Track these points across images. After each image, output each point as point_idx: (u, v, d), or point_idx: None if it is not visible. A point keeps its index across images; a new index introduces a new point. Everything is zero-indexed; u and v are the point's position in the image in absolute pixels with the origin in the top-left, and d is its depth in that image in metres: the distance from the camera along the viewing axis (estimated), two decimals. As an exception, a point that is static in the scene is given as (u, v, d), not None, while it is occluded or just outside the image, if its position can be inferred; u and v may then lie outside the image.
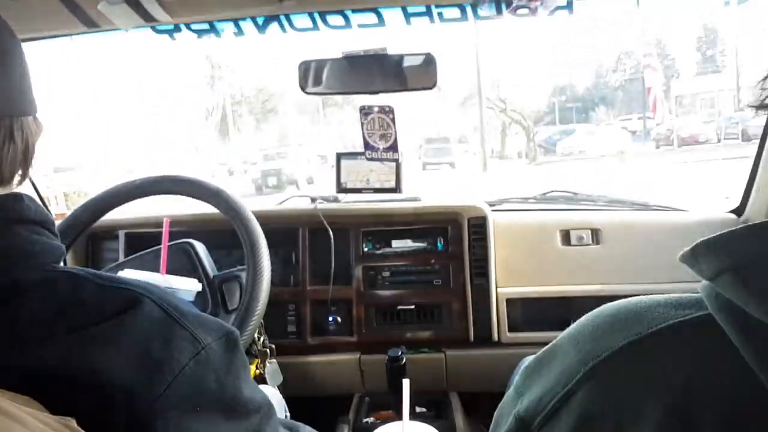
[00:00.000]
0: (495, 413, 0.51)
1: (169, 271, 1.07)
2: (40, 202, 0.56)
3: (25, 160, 0.56)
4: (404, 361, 1.29)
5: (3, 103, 0.53)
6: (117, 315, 0.50)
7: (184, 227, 1.44)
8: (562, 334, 0.46)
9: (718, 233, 0.38)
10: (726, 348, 0.35)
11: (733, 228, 0.38)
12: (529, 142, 20.65)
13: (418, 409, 1.46)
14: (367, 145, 1.41)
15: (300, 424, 0.71)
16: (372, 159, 1.41)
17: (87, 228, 1.17)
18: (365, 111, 1.39)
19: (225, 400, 0.53)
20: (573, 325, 0.46)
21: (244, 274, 1.07)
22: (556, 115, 28.49)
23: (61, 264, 0.56)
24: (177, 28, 1.06)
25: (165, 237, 1.06)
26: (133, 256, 1.15)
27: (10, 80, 0.54)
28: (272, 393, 1.15)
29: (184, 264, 1.10)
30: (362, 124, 1.40)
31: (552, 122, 27.44)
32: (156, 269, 1.07)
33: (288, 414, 1.20)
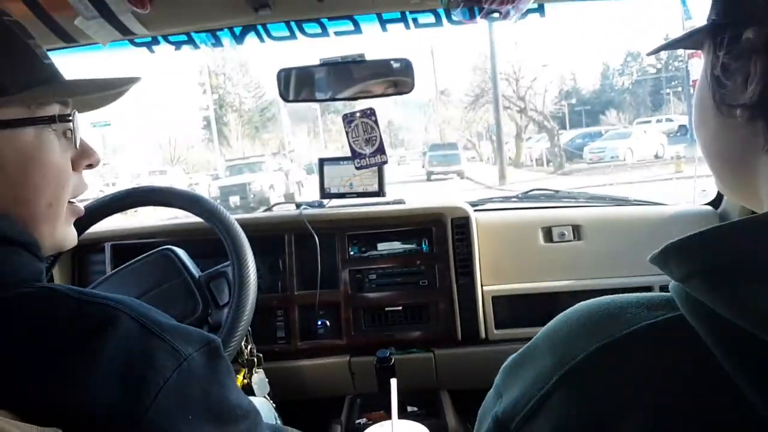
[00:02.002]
0: (479, 411, 0.52)
1: (153, 278, 1.08)
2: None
3: None
4: (393, 361, 1.31)
5: None
6: (95, 333, 0.49)
7: (168, 237, 1.45)
8: (539, 333, 0.46)
9: (687, 234, 0.38)
10: (699, 348, 0.35)
11: (702, 229, 0.37)
12: (553, 147, 17.91)
13: (410, 408, 1.48)
14: (354, 153, 1.42)
15: (289, 429, 0.71)
16: (362, 167, 1.42)
17: None
18: (348, 119, 1.40)
19: (212, 408, 0.53)
20: (549, 324, 0.46)
21: (229, 269, 1.09)
22: (566, 119, 27.53)
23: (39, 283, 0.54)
24: (155, 41, 1.07)
25: None
26: (116, 270, 1.15)
27: None
28: (260, 402, 1.16)
29: (168, 270, 1.11)
30: (347, 132, 1.41)
31: (562, 126, 25.54)
32: (140, 282, 1.08)
33: (280, 421, 1.21)
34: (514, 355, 0.48)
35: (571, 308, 0.45)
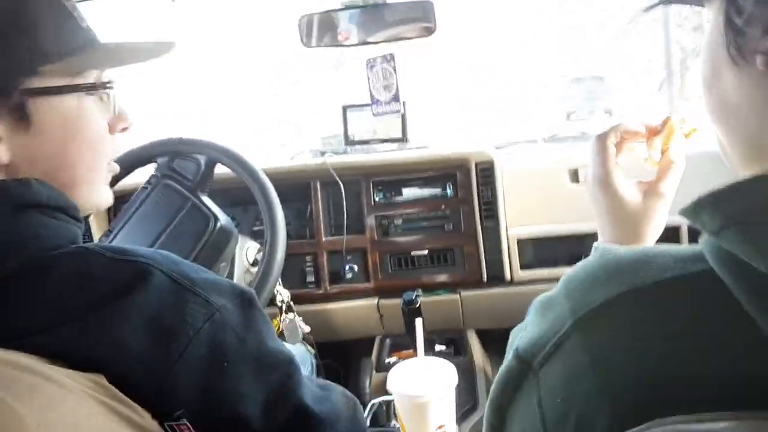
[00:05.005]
0: (510, 336, 0.53)
1: (182, 231, 1.10)
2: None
3: None
4: (419, 303, 1.34)
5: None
6: (127, 288, 0.50)
7: None
8: (565, 275, 0.45)
9: (721, 185, 0.36)
10: (730, 304, 0.34)
11: (739, 180, 0.36)
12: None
13: (437, 347, 1.53)
14: (373, 100, 1.41)
15: (332, 385, 0.70)
16: (378, 114, 1.41)
17: None
18: (370, 64, 1.38)
19: (249, 356, 0.54)
20: (572, 268, 0.44)
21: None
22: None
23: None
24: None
25: None
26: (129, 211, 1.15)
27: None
28: (295, 348, 1.21)
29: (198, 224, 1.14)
30: (368, 78, 1.40)
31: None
32: (153, 222, 1.09)
33: (316, 354, 1.27)
34: (546, 293, 0.47)
35: (594, 254, 0.43)
